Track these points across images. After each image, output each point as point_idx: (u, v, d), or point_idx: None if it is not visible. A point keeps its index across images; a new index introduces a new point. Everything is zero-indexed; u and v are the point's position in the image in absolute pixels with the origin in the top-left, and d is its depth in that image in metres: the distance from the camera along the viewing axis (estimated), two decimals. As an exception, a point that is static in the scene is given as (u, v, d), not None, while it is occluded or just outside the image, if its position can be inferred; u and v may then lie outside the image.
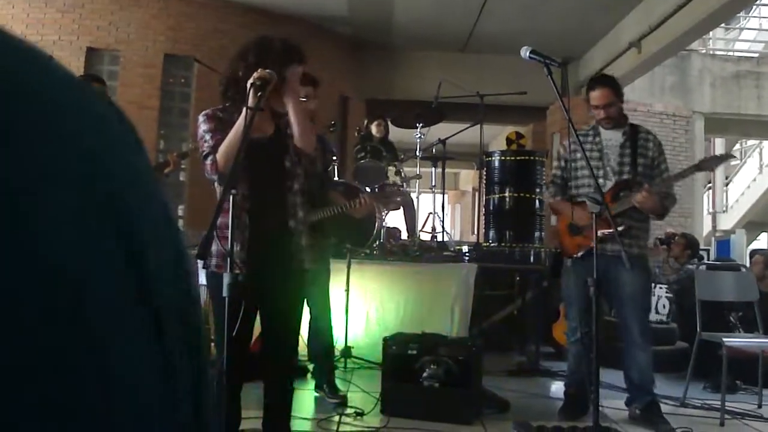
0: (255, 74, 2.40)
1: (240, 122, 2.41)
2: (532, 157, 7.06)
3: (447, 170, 7.48)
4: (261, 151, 2.56)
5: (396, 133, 7.17)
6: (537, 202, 6.97)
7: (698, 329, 4.40)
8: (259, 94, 2.38)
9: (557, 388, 5.09)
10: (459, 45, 9.91)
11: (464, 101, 7.54)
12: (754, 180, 14.98)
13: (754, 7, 12.27)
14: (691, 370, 4.53)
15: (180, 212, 7.88)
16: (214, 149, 2.50)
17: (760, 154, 15.25)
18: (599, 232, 3.80)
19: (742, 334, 4.78)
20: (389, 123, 6.90)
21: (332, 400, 4.10)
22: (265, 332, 2.73)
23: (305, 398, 4.25)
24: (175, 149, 6.75)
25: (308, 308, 4.16)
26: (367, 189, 5.73)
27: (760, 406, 4.47)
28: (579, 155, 4.04)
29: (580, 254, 3.94)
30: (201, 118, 2.59)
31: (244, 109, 2.39)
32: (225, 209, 2.47)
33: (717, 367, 4.60)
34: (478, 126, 7.13)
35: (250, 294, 2.48)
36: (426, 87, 8.39)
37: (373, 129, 6.72)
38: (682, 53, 10.03)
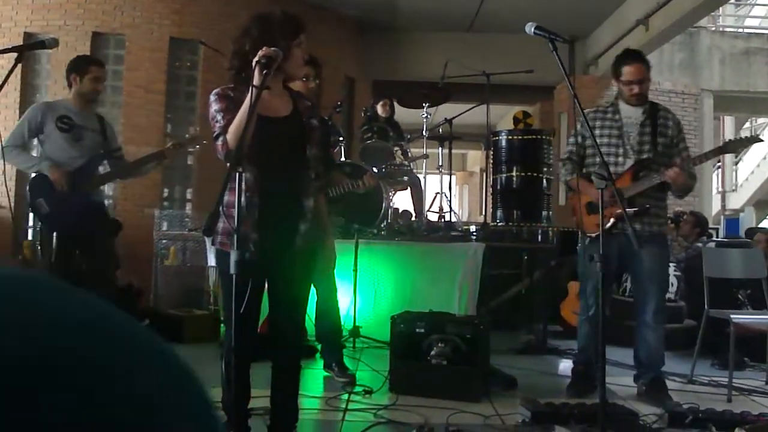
0: (260, 52, 2.39)
1: (247, 102, 2.41)
2: (539, 137, 7.05)
3: (454, 151, 7.48)
4: (275, 131, 2.55)
5: (402, 114, 7.14)
6: (544, 181, 6.97)
7: (706, 306, 4.39)
8: (264, 72, 2.37)
9: (565, 366, 5.11)
10: (465, 25, 9.84)
11: (471, 81, 7.51)
12: (764, 158, 14.87)
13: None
14: (699, 348, 4.53)
15: (188, 195, 7.90)
16: (224, 129, 2.49)
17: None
18: (618, 212, 3.80)
19: (750, 311, 4.77)
20: (395, 103, 6.87)
21: (341, 379, 4.13)
22: (273, 312, 2.74)
23: (314, 377, 4.28)
24: (173, 138, 6.76)
25: (314, 289, 4.18)
26: (374, 169, 5.74)
27: (767, 383, 4.47)
28: (597, 132, 3.99)
29: (597, 233, 3.88)
30: (212, 98, 2.58)
31: (251, 88, 2.38)
32: (232, 188, 2.48)
33: (725, 345, 4.60)
34: (485, 106, 7.10)
35: (258, 274, 2.49)
36: (432, 67, 8.34)
37: (379, 109, 6.71)
38: (690, 30, 9.94)
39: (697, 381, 4.44)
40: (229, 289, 2.43)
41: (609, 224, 3.77)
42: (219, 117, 2.52)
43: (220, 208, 2.47)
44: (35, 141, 4.28)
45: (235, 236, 2.30)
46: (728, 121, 15.07)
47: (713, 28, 11.17)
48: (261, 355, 2.65)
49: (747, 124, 16.17)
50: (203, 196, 7.40)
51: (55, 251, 4.10)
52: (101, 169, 4.43)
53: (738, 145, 3.83)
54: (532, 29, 2.99)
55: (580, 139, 4.07)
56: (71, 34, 7.70)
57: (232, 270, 2.17)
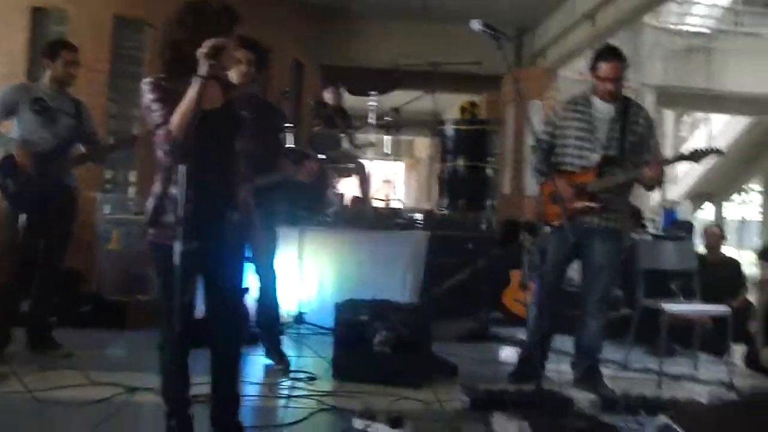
0: (208, 42, 2.37)
1: (192, 92, 2.39)
2: (485, 127, 7.13)
3: (402, 137, 7.52)
4: (208, 123, 2.52)
5: (350, 101, 7.15)
6: (490, 171, 7.06)
7: (640, 296, 4.54)
8: (211, 63, 2.36)
9: (506, 353, 5.23)
10: (416, 13, 9.85)
11: (419, 69, 7.55)
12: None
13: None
14: (633, 336, 4.69)
15: (132, 179, 7.76)
16: (165, 119, 2.46)
17: (709, 127, 15.61)
18: (580, 205, 3.90)
19: (681, 300, 4.95)
20: (343, 91, 6.87)
21: (276, 367, 4.14)
22: (210, 300, 2.74)
23: (256, 364, 4.29)
24: (124, 117, 6.63)
25: (256, 275, 4.18)
26: (322, 157, 5.74)
27: (696, 369, 4.67)
28: (568, 123, 4.06)
29: (558, 223, 3.97)
30: (146, 87, 2.53)
31: (197, 78, 2.37)
32: (170, 180, 2.49)
33: (658, 333, 4.78)
34: (433, 94, 7.16)
35: (194, 264, 2.49)
36: (382, 54, 8.39)
37: (326, 97, 6.69)
38: (635, 26, 10.16)
39: (630, 368, 4.59)
40: (166, 279, 2.43)
41: (565, 218, 3.87)
42: (156, 107, 2.48)
43: (163, 201, 2.47)
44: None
45: (181, 228, 2.31)
46: (669, 116, 15.47)
47: (656, 25, 11.45)
48: (200, 341, 2.65)
49: (686, 118, 16.66)
50: (147, 179, 7.26)
51: (21, 232, 4.05)
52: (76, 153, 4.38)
53: (701, 155, 3.87)
54: (479, 27, 3.03)
55: (551, 128, 4.14)
56: (8, 8, 7.44)
57: (176, 261, 2.17)
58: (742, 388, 4.18)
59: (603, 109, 4.03)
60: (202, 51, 2.36)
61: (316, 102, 6.75)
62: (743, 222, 18.25)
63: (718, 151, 3.87)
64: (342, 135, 6.20)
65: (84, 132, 4.33)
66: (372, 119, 6.52)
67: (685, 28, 12.20)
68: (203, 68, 2.36)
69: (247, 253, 4.00)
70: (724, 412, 2.49)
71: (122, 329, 5.09)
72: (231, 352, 2.78)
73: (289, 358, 4.22)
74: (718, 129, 15.10)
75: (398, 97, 7.30)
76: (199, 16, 2.52)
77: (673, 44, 11.41)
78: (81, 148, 4.40)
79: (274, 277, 4.25)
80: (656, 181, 3.89)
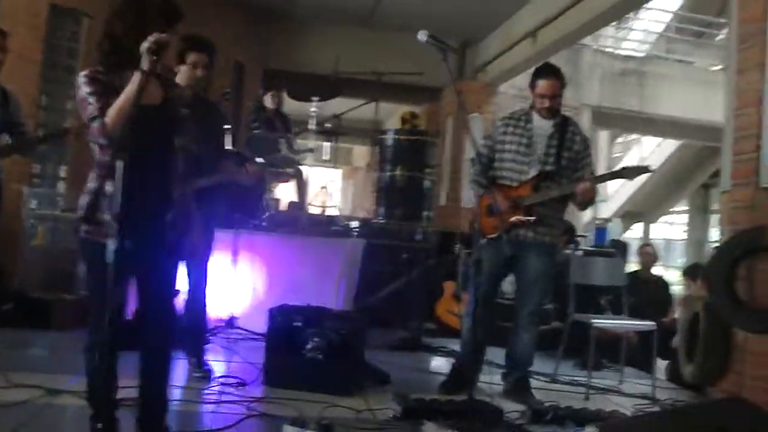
0: (151, 37, 2.31)
1: (132, 87, 2.32)
2: (425, 138, 7.18)
3: (340, 145, 7.49)
4: (146, 120, 2.45)
5: (291, 106, 7.10)
6: (427, 181, 7.11)
7: (570, 310, 4.63)
8: (154, 58, 2.30)
9: (437, 363, 5.26)
10: (361, 20, 9.87)
11: (361, 77, 7.56)
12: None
13: (643, 9, 12.87)
14: (563, 349, 4.78)
15: (62, 173, 7.51)
16: (101, 112, 2.38)
17: (640, 148, 16.10)
18: (515, 218, 3.95)
19: (610, 315, 5.08)
20: (284, 95, 6.82)
21: (197, 374, 4.00)
22: (141, 301, 2.66)
23: (184, 368, 4.18)
24: (59, 110, 6.40)
25: (186, 277, 4.08)
26: (259, 160, 5.67)
27: (621, 383, 4.79)
28: (508, 138, 4.12)
29: (494, 235, 4.01)
30: (82, 80, 2.45)
31: (137, 73, 2.31)
32: (103, 175, 2.43)
33: (586, 346, 4.89)
34: (374, 103, 7.18)
35: (127, 263, 2.42)
36: (325, 60, 8.33)
37: (267, 100, 6.63)
38: (575, 47, 10.40)
39: (559, 380, 4.68)
40: (97, 278, 2.35)
41: (501, 230, 3.92)
42: (92, 100, 2.40)
43: (98, 198, 2.40)
44: None
45: (116, 226, 2.24)
46: (603, 136, 15.89)
47: (595, 47, 11.75)
48: (129, 343, 2.57)
49: (620, 139, 17.15)
50: (78, 175, 7.04)
51: None
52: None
53: (633, 172, 3.98)
54: (425, 37, 3.05)
55: (491, 142, 4.18)
56: (26, 5, 7.13)
57: (108, 259, 2.10)
58: (664, 400, 4.30)
59: (541, 125, 4.11)
60: (145, 45, 2.30)
61: (256, 105, 6.69)
62: (668, 242, 18.89)
63: (647, 169, 4.00)
64: (281, 139, 6.14)
65: (10, 122, 4.16)
66: (312, 125, 6.49)
67: (621, 51, 12.55)
68: (145, 63, 2.29)
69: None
70: (646, 423, 2.55)
71: (46, 329, 4.91)
72: (161, 355, 2.70)
73: (210, 367, 4.08)
74: (649, 150, 15.59)
75: (339, 104, 7.29)
76: (140, 10, 2.46)
77: (611, 67, 11.73)
78: (7, 139, 4.23)
79: (205, 281, 4.15)
80: (588, 198, 3.98)
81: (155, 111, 2.53)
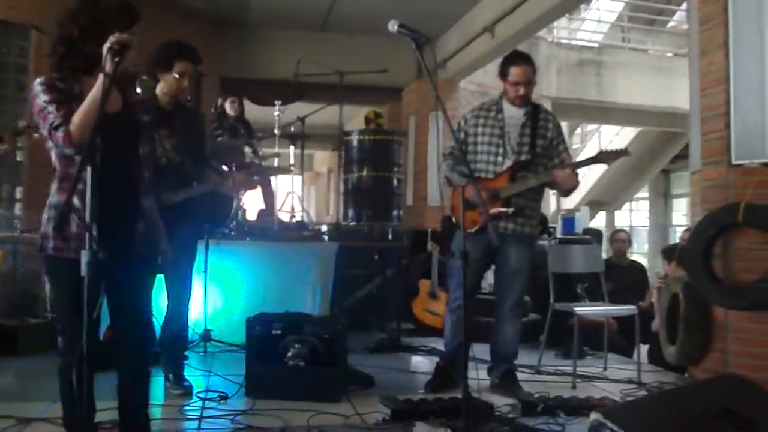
0: (112, 37, 2.19)
1: (96, 91, 2.20)
2: (390, 137, 7.14)
3: (305, 151, 7.40)
4: (108, 128, 2.33)
5: (253, 112, 6.99)
6: (395, 181, 7.06)
7: (551, 300, 4.60)
8: (116, 60, 2.18)
9: (418, 362, 5.19)
10: (317, 24, 9.79)
11: (322, 80, 7.47)
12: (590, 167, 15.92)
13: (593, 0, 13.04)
14: (545, 339, 4.75)
15: (18, 194, 7.28)
16: (65, 120, 2.25)
17: (599, 138, 16.25)
18: (495, 210, 3.88)
19: (589, 303, 5.06)
20: (245, 101, 6.70)
21: (176, 391, 3.86)
22: (115, 318, 2.53)
23: (163, 386, 4.04)
24: (10, 127, 6.18)
25: (167, 291, 3.95)
26: (224, 167, 5.55)
27: (605, 369, 4.77)
28: (480, 130, 4.05)
29: (473, 230, 3.93)
30: (39, 87, 2.32)
31: (101, 76, 2.18)
32: (63, 188, 2.33)
33: (567, 336, 4.87)
34: (336, 107, 7.09)
35: (98, 276, 2.30)
36: (284, 66, 8.24)
37: (227, 107, 6.51)
38: (531, 40, 10.44)
39: (544, 371, 4.64)
40: (68, 295, 2.24)
41: (480, 224, 3.85)
42: (51, 108, 2.27)
43: (63, 211, 2.27)
44: None
45: (85, 239, 2.12)
46: (563, 126, 16.00)
47: (550, 40, 11.83)
48: (105, 364, 2.44)
49: (578, 130, 17.30)
50: (35, 195, 6.82)
51: None
52: None
53: (609, 156, 3.92)
54: (396, 27, 2.97)
55: (462, 135, 4.11)
56: None
57: (83, 272, 1.98)
58: (650, 383, 4.29)
59: (513, 114, 4.06)
60: (106, 47, 2.18)
61: (218, 112, 6.56)
62: (632, 229, 19.10)
63: (625, 152, 3.96)
64: (245, 146, 6.02)
65: None
66: (276, 129, 6.38)
67: (576, 42, 12.65)
68: (108, 65, 2.17)
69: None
70: (647, 407, 2.52)
71: (13, 355, 4.72)
72: (140, 374, 2.58)
73: (189, 383, 3.94)
74: (608, 140, 15.73)
75: (302, 110, 7.19)
76: (94, 11, 2.34)
77: (567, 58, 11.81)
78: None
79: (188, 296, 4.01)
80: (571, 184, 3.93)
81: (116, 119, 2.40)
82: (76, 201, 2.23)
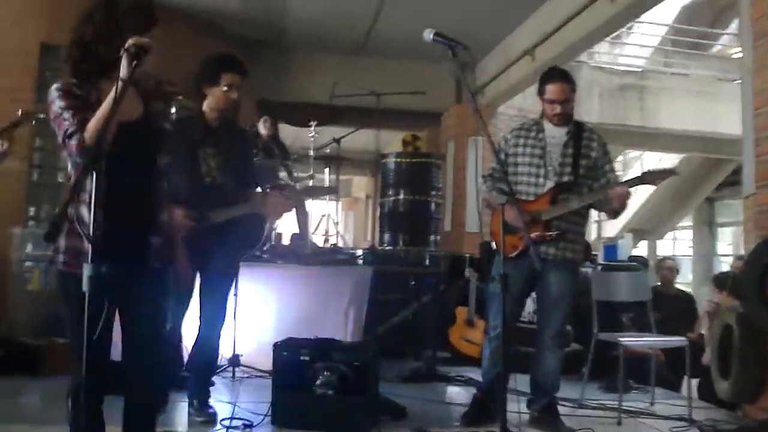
0: (131, 40, 2.09)
1: (111, 97, 2.08)
2: (428, 160, 6.98)
3: (342, 176, 7.30)
4: (126, 136, 2.22)
5: (288, 134, 6.91)
6: (433, 205, 6.89)
7: (595, 330, 4.37)
8: (134, 63, 2.07)
9: (454, 393, 4.98)
10: (355, 48, 9.75)
11: (359, 104, 7.38)
12: (636, 190, 15.58)
13: (637, 23, 12.79)
14: (588, 371, 4.51)
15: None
16: (81, 127, 2.15)
17: (641, 165, 15.90)
18: (536, 235, 3.69)
19: (635, 334, 4.81)
20: (278, 122, 6.61)
21: (200, 418, 3.70)
22: (126, 339, 2.39)
23: (186, 412, 3.89)
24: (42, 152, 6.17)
25: (200, 313, 3.82)
26: (258, 189, 5.45)
27: (652, 404, 4.51)
28: (520, 150, 3.88)
29: (513, 254, 3.74)
30: (55, 93, 2.22)
31: (118, 82, 2.07)
32: (79, 199, 2.19)
33: (611, 368, 4.61)
34: (373, 131, 7.00)
35: (109, 294, 2.18)
36: (320, 89, 8.18)
37: (260, 127, 6.42)
38: (572, 64, 10.26)
39: (587, 405, 4.39)
40: (75, 314, 2.11)
41: (521, 248, 3.66)
42: (67, 115, 2.17)
43: (67, 219, 2.16)
44: None
45: (90, 248, 2.01)
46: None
47: (592, 64, 11.62)
48: (117, 386, 2.31)
49: (620, 157, 16.96)
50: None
51: None
52: None
53: (655, 176, 3.72)
54: (431, 35, 2.84)
55: (502, 156, 3.94)
56: (17, 43, 6.99)
57: (84, 287, 1.84)
58: (702, 421, 4.02)
59: (554, 133, 3.88)
60: (124, 50, 2.07)
61: (253, 131, 6.48)
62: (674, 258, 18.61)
63: (672, 171, 3.75)
64: (279, 166, 5.92)
65: None
66: (311, 151, 6.28)
67: (618, 67, 12.42)
68: (124, 70, 2.07)
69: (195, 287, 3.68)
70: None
71: (37, 375, 4.63)
72: (145, 403, 2.42)
73: (214, 410, 3.78)
74: (651, 166, 15.40)
75: (337, 132, 7.10)
76: (108, 13, 2.24)
77: (609, 83, 11.58)
78: None
79: (221, 321, 3.86)
80: (621, 204, 3.72)
81: (135, 126, 2.29)
82: (85, 212, 2.12)
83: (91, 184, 1.91)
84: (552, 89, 3.82)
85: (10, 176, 6.21)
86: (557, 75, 3.86)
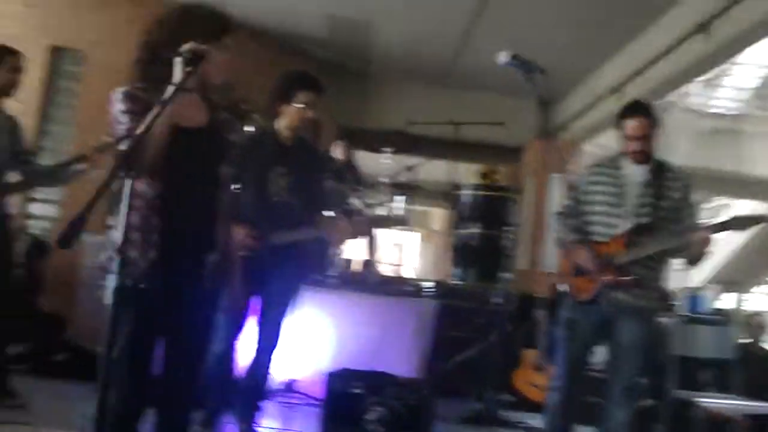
0: (187, 45, 2.02)
1: (168, 110, 2.02)
2: (505, 194, 6.76)
3: (417, 208, 7.17)
4: (186, 143, 2.16)
5: (363, 162, 6.83)
6: (506, 241, 6.66)
7: (671, 386, 4.06)
8: (188, 69, 2.00)
9: (515, 440, 4.72)
10: (439, 79, 9.68)
11: (437, 134, 7.26)
12: (723, 239, 14.90)
13: (731, 65, 12.28)
14: (661, 430, 4.20)
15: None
16: (131, 132, 2.09)
17: (730, 213, 15.21)
18: (609, 279, 3.45)
19: (716, 394, 4.45)
20: (354, 147, 6.54)
21: None
22: (166, 357, 2.29)
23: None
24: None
25: (257, 334, 3.72)
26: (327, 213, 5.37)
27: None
28: (595, 188, 3.66)
29: (583, 299, 3.52)
30: (118, 96, 2.18)
31: (170, 86, 2.01)
32: (134, 206, 2.12)
33: (687, 429, 4.27)
34: (450, 163, 6.86)
35: (152, 308, 2.10)
36: (398, 118, 8.12)
37: (335, 151, 6.35)
38: (661, 105, 9.90)
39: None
40: (122, 327, 2.06)
41: (593, 292, 3.43)
42: (125, 119, 2.13)
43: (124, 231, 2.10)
44: None
45: (144, 263, 1.94)
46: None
47: (683, 106, 11.20)
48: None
49: (708, 205, 16.25)
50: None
51: None
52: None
53: (744, 223, 3.40)
54: (507, 59, 2.68)
55: (576, 193, 3.71)
56: (27, 45, 7.29)
57: (106, 300, 1.75)
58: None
59: (633, 172, 3.62)
60: (177, 55, 2.01)
61: (327, 155, 6.44)
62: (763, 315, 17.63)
63: (763, 218, 3.43)
64: (350, 191, 5.82)
65: (18, 153, 3.93)
66: (385, 179, 6.17)
67: (711, 110, 11.92)
68: (178, 75, 2.00)
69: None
70: None
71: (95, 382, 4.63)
72: (180, 420, 2.32)
73: None
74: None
75: (413, 162, 7.00)
76: (181, 18, 2.19)
77: (700, 126, 11.12)
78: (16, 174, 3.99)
79: (274, 346, 3.74)
80: (701, 252, 3.43)
81: (197, 135, 2.23)
82: (136, 219, 2.06)
83: (130, 189, 1.82)
84: (631, 125, 3.56)
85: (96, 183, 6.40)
86: (637, 109, 3.61)
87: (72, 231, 1.68)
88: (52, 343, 5.00)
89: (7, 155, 3.83)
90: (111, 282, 1.77)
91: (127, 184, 1.78)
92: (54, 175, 3.91)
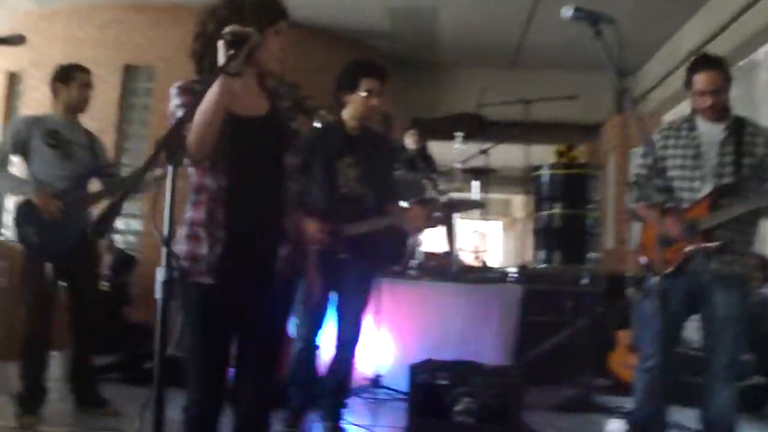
0: (228, 28, 1.96)
1: (214, 90, 1.95)
2: (584, 171, 6.51)
3: (496, 195, 7.02)
4: (247, 133, 2.11)
5: (435, 150, 6.71)
6: (590, 219, 6.42)
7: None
8: (230, 51, 1.93)
9: (614, 427, 4.51)
10: (506, 60, 9.48)
11: (510, 117, 7.07)
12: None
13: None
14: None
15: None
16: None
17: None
18: (693, 247, 3.22)
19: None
20: (426, 136, 6.43)
21: None
22: (240, 356, 2.23)
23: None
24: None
25: (336, 330, 3.68)
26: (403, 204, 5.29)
27: None
28: (670, 152, 3.41)
29: (669, 270, 3.31)
30: (174, 91, 2.13)
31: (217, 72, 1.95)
32: (198, 201, 2.11)
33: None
34: (524, 146, 6.67)
35: (223, 307, 2.05)
36: (469, 104, 7.96)
37: (407, 141, 6.26)
38: (747, 65, 9.38)
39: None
40: (194, 327, 2.06)
41: (678, 262, 3.20)
42: (181, 113, 2.08)
43: (192, 228, 2.07)
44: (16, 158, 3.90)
45: (213, 260, 1.91)
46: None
47: (771, 64, 10.57)
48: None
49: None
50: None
51: (48, 283, 3.76)
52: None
53: None
54: (571, 12, 2.52)
55: (650, 160, 3.51)
56: (103, 66, 7.52)
57: (156, 294, 1.70)
58: None
59: (710, 130, 3.34)
60: (220, 38, 1.95)
61: (397, 146, 6.35)
62: None
63: None
64: (425, 180, 5.71)
65: (99, 165, 4.01)
66: (458, 164, 6.04)
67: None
68: (221, 58, 1.94)
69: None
70: None
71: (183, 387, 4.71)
72: (259, 420, 2.26)
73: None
74: None
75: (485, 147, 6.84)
76: (233, 5, 2.13)
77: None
78: (97, 184, 4.07)
79: (355, 340, 3.68)
80: None
81: (258, 124, 2.17)
82: (202, 215, 2.02)
83: (175, 180, 1.75)
84: (701, 79, 3.29)
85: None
86: (706, 62, 3.33)
87: (104, 221, 1.63)
88: (140, 353, 5.10)
89: (87, 169, 3.94)
90: (160, 275, 1.71)
91: (170, 171, 1.71)
92: (135, 183, 3.98)
